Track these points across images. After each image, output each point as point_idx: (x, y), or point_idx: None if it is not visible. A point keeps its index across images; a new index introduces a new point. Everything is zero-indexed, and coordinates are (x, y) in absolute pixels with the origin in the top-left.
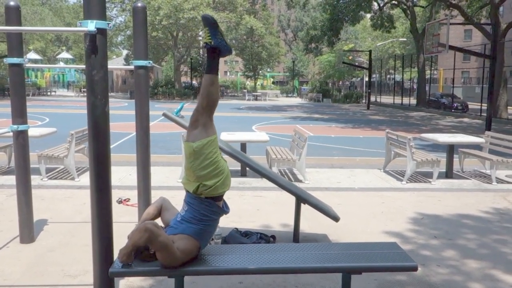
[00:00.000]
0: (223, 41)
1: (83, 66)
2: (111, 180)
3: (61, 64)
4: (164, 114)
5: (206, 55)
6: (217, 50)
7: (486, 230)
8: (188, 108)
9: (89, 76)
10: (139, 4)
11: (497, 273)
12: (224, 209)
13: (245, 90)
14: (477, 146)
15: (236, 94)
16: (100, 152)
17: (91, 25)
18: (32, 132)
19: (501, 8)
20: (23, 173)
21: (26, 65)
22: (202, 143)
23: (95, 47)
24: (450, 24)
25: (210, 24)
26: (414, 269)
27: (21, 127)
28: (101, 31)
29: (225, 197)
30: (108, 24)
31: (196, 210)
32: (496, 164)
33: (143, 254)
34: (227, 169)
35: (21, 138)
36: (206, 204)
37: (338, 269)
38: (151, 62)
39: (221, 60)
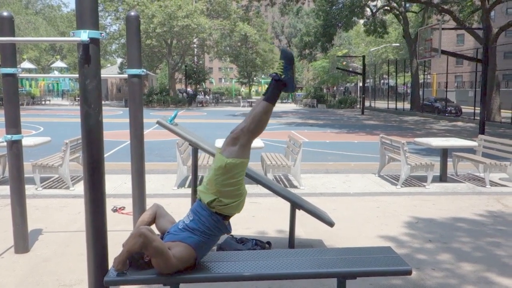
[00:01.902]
0: (292, 79)
1: (77, 75)
2: (105, 189)
3: (55, 73)
4: (158, 122)
5: (270, 83)
6: (283, 84)
7: (480, 233)
8: (182, 115)
9: (82, 86)
10: (132, 13)
11: (491, 275)
12: (228, 229)
13: (240, 97)
14: (471, 150)
15: (231, 101)
16: (94, 161)
17: (84, 35)
18: (26, 141)
19: (492, 13)
20: (17, 183)
21: (20, 75)
22: (235, 162)
23: (88, 57)
24: (442, 29)
25: (288, 59)
26: (409, 273)
27: (15, 137)
28: (94, 41)
29: None
30: (101, 33)
31: (202, 222)
32: (489, 167)
33: (138, 262)
34: (245, 194)
35: (15, 148)
36: (214, 219)
37: (333, 274)
38: (144, 70)
39: (216, 67)
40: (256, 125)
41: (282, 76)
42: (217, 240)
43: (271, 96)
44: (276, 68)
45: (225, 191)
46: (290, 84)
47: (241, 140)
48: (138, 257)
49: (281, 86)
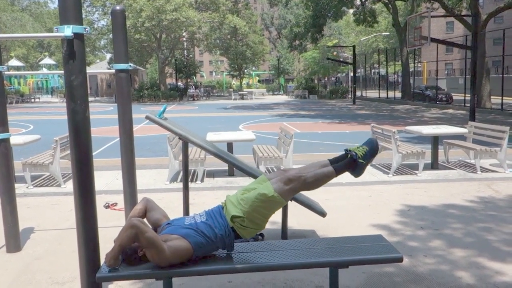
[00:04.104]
0: (365, 167)
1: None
2: (94, 185)
3: (44, 70)
4: (147, 117)
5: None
6: (354, 165)
7: (472, 219)
8: (173, 109)
9: (68, 82)
10: (118, 7)
11: (482, 260)
12: (232, 247)
13: (231, 90)
14: (462, 137)
15: (222, 94)
16: (82, 158)
17: (68, 30)
18: (16, 140)
19: None
20: (6, 182)
21: (6, 72)
22: (278, 199)
23: (73, 52)
24: (431, 16)
25: (373, 150)
26: (400, 260)
27: (2, 136)
28: (78, 36)
29: (213, 197)
30: (85, 28)
31: (213, 228)
32: (480, 154)
33: (131, 257)
34: (263, 228)
35: (2, 147)
36: (227, 232)
37: (325, 263)
38: (132, 64)
39: (206, 60)
40: (313, 182)
41: (359, 160)
42: (216, 249)
43: (340, 169)
44: (357, 149)
45: (254, 216)
46: (360, 169)
47: (294, 185)
48: (131, 252)
49: (353, 165)
